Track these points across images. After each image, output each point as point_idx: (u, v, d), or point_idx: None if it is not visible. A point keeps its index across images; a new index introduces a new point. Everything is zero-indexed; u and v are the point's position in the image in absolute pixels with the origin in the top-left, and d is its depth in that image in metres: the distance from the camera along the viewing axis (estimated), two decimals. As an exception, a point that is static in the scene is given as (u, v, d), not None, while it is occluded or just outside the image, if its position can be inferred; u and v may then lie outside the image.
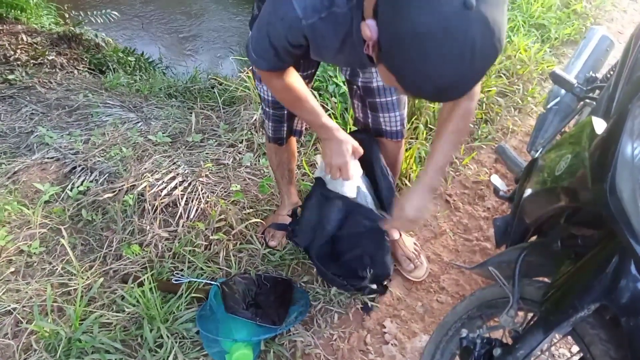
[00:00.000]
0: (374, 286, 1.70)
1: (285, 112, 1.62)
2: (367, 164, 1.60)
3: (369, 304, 1.73)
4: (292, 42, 1.12)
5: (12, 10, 4.12)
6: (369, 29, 0.86)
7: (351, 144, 1.42)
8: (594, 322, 1.00)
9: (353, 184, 1.52)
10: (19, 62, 3.35)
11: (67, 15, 4.71)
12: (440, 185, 2.25)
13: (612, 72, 1.79)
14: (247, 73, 2.73)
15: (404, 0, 0.80)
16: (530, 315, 1.15)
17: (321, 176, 1.58)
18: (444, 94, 0.88)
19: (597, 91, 1.80)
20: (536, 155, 1.83)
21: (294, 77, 1.31)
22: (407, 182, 2.16)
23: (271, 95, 1.56)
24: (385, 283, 1.76)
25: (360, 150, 1.45)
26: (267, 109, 1.62)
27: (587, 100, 1.79)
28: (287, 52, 1.16)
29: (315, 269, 1.78)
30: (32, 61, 3.42)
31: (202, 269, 1.74)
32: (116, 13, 4.70)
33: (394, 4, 0.82)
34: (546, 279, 1.21)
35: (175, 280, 1.64)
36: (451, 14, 0.77)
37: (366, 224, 1.53)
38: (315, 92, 2.46)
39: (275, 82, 1.29)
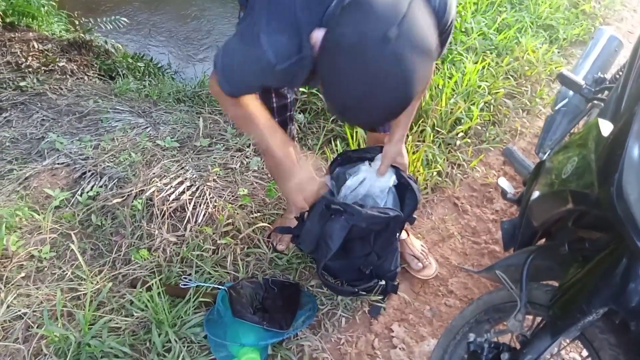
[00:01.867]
0: (383, 282, 1.69)
1: (276, 119, 1.59)
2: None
3: (378, 306, 1.72)
4: (261, 82, 1.17)
5: (24, 18, 4.18)
6: (316, 36, 0.92)
7: (315, 185, 1.34)
8: (602, 326, 0.99)
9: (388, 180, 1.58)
10: (30, 69, 3.39)
11: (77, 22, 4.76)
12: (449, 188, 2.24)
13: (620, 73, 1.77)
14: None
15: (347, 11, 0.86)
16: (538, 319, 1.14)
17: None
18: (350, 112, 0.91)
19: (606, 92, 1.78)
20: (544, 157, 1.82)
21: (248, 99, 1.26)
22: (414, 185, 2.15)
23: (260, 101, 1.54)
24: (396, 282, 1.76)
25: (323, 191, 1.43)
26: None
27: (596, 102, 1.77)
28: (256, 88, 1.21)
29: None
30: (43, 68, 3.46)
31: (209, 273, 1.75)
32: (126, 19, 4.75)
33: (341, 14, 0.87)
34: (554, 283, 1.20)
35: (184, 285, 1.64)
36: (371, 39, 0.82)
37: (373, 229, 1.53)
38: (322, 96, 2.47)
39: (229, 106, 1.26)
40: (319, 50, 0.93)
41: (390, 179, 1.58)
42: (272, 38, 1.04)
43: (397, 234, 1.65)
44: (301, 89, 2.50)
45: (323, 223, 1.54)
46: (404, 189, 1.62)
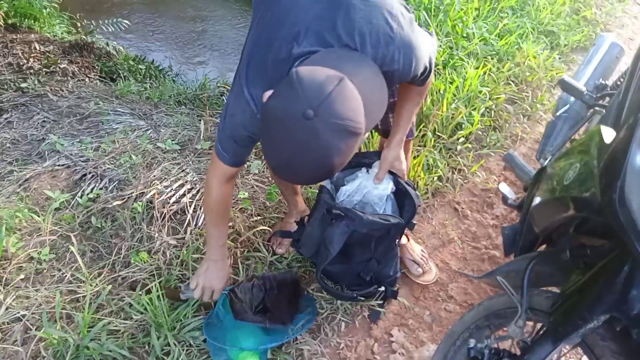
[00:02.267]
0: (382, 288, 1.69)
1: None
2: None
3: (378, 311, 1.72)
4: (250, 131, 1.25)
5: (26, 20, 4.18)
6: (266, 96, 1.02)
7: (217, 291, 1.56)
8: (604, 333, 0.99)
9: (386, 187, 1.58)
10: (31, 71, 3.39)
11: (79, 24, 4.77)
12: (449, 193, 2.24)
13: (622, 80, 1.78)
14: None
15: (281, 85, 0.97)
16: (539, 325, 1.14)
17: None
18: (282, 173, 1.02)
19: (607, 99, 1.79)
20: (545, 163, 1.82)
21: (229, 194, 1.48)
22: (415, 189, 2.15)
23: None
24: (396, 288, 1.75)
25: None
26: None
27: (597, 108, 1.78)
28: (246, 140, 1.28)
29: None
30: (44, 69, 3.46)
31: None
32: (127, 22, 4.76)
33: (278, 86, 0.98)
34: (555, 289, 1.20)
35: (184, 295, 1.62)
36: (292, 113, 0.91)
37: (374, 235, 1.52)
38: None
39: (215, 183, 1.42)
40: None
41: (388, 186, 1.57)
42: (251, 90, 1.18)
43: (397, 240, 1.65)
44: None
45: (324, 228, 1.54)
46: (402, 195, 1.61)
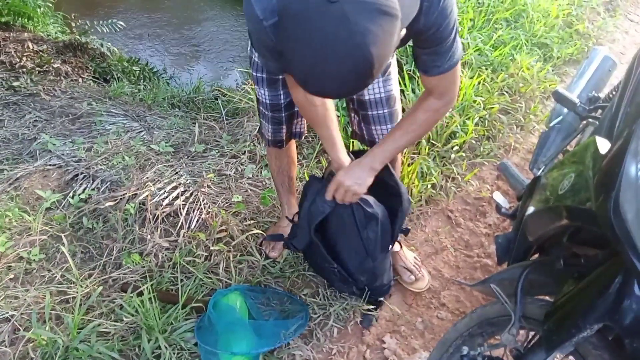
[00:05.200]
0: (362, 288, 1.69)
1: (284, 114, 1.60)
2: (378, 184, 1.60)
3: (370, 316, 1.72)
4: (265, 44, 1.10)
5: (20, 18, 4.16)
6: None
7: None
8: (596, 342, 1.00)
9: None
10: (24, 70, 3.37)
11: (73, 24, 4.75)
12: (442, 201, 2.25)
13: (614, 93, 1.80)
14: (251, 85, 2.75)
15: None
16: (532, 334, 1.14)
17: None
18: (315, 83, 0.88)
19: (600, 111, 1.81)
20: (538, 173, 1.84)
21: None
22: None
23: (269, 98, 1.55)
24: (381, 299, 1.76)
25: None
26: (266, 112, 1.61)
27: (590, 120, 1.80)
28: (268, 51, 1.13)
29: (313, 268, 1.78)
30: (37, 69, 3.44)
31: (202, 279, 1.73)
32: (122, 23, 4.74)
33: None
34: (548, 298, 1.21)
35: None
36: (313, 1, 0.79)
37: (366, 210, 1.50)
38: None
39: (295, 90, 1.30)
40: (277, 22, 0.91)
41: None
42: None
43: (390, 247, 1.64)
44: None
45: (315, 196, 1.52)
46: (392, 197, 1.60)
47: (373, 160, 1.38)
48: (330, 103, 1.37)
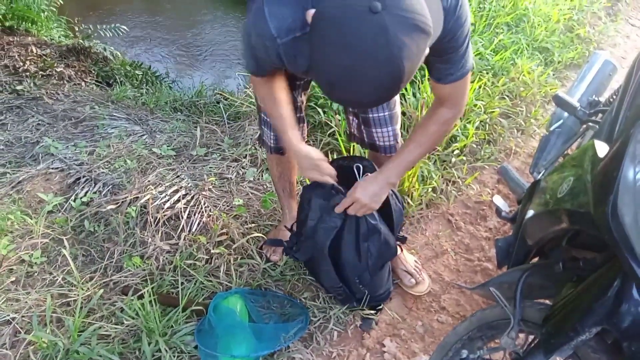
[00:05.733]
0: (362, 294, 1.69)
1: None
2: None
3: (370, 320, 1.72)
4: (269, 56, 1.14)
5: (23, 23, 4.18)
6: (310, 13, 0.91)
7: (316, 158, 1.38)
8: (595, 345, 1.00)
9: None
10: (27, 73, 3.38)
11: (76, 29, 4.77)
12: (443, 205, 2.26)
13: (614, 97, 1.80)
14: (252, 89, 2.76)
15: None
16: (531, 337, 1.15)
17: None
18: (337, 89, 0.90)
19: (600, 115, 1.81)
20: (538, 176, 1.84)
21: (277, 84, 1.33)
22: (409, 200, 2.16)
23: None
24: (379, 307, 1.76)
25: (329, 170, 1.42)
26: (267, 118, 1.62)
27: (590, 124, 1.80)
28: (266, 62, 1.19)
29: (316, 279, 1.78)
30: (40, 72, 3.45)
31: (202, 282, 1.74)
32: (125, 27, 4.77)
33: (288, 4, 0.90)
34: (547, 301, 1.21)
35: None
36: (355, 10, 0.81)
37: (370, 222, 1.50)
38: (320, 109, 2.49)
39: (259, 86, 1.34)
40: (309, 28, 0.92)
41: None
42: (274, 9, 1.05)
43: (391, 258, 1.64)
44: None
45: (324, 210, 1.51)
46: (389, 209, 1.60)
47: (389, 175, 1.39)
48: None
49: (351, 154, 2.27)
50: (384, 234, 1.52)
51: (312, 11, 0.92)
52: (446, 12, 1.06)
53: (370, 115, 1.55)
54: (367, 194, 1.38)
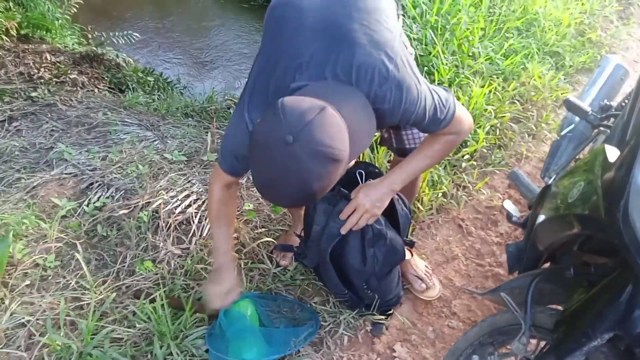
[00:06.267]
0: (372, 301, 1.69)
1: None
2: None
3: (381, 325, 1.71)
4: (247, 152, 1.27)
5: (38, 31, 4.25)
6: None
7: (232, 292, 1.50)
8: (607, 351, 1.00)
9: None
10: (42, 80, 3.44)
11: (90, 36, 4.85)
12: (453, 210, 2.25)
13: (626, 101, 1.79)
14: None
15: (268, 111, 1.04)
16: (542, 343, 1.14)
17: None
18: (265, 194, 1.12)
19: (612, 119, 1.80)
20: (550, 181, 1.83)
21: (231, 198, 1.51)
22: (419, 205, 2.16)
23: None
24: (390, 312, 1.76)
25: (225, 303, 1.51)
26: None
27: (602, 128, 1.79)
28: (244, 159, 1.29)
29: (324, 284, 1.78)
30: (54, 79, 3.51)
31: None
32: (137, 34, 4.83)
33: (266, 112, 1.06)
34: (559, 307, 1.20)
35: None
36: (274, 138, 0.99)
37: (375, 227, 1.51)
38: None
39: (217, 187, 1.45)
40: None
41: None
42: (252, 114, 1.22)
43: (398, 263, 1.64)
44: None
45: (329, 216, 1.52)
46: (396, 214, 1.59)
47: (393, 182, 1.43)
48: (233, 210, 1.60)
49: (360, 157, 2.28)
50: (390, 238, 1.52)
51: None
52: (391, 111, 1.19)
53: None
54: (369, 199, 1.42)
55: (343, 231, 1.46)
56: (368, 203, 1.41)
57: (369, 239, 1.52)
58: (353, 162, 1.64)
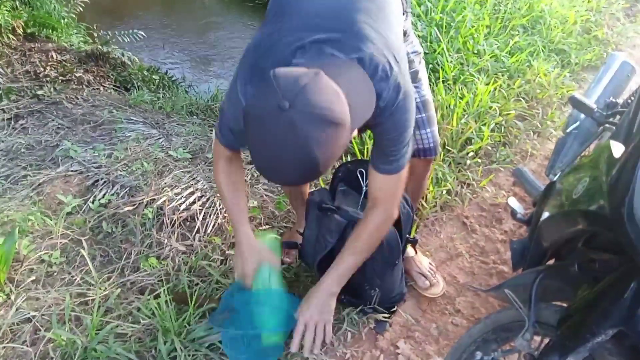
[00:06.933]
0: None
1: None
2: None
3: (384, 322, 1.71)
4: (241, 127, 1.20)
5: (44, 29, 4.27)
6: None
7: (260, 254, 1.43)
8: (612, 348, 0.99)
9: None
10: (48, 79, 3.46)
11: (95, 35, 4.86)
12: (458, 207, 2.25)
13: (632, 98, 1.78)
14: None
15: (258, 85, 0.99)
16: (546, 339, 1.14)
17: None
18: (267, 173, 1.03)
19: (618, 116, 1.79)
20: (555, 178, 1.82)
21: (239, 169, 1.46)
22: (423, 202, 2.16)
23: None
24: (394, 309, 1.76)
25: (275, 261, 1.46)
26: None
27: (607, 125, 1.78)
28: (241, 133, 1.23)
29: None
30: (60, 78, 3.52)
31: (218, 282, 1.76)
32: (143, 33, 4.84)
33: (258, 86, 1.01)
34: (563, 304, 1.20)
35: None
36: (268, 107, 0.93)
37: None
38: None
39: (220, 162, 1.42)
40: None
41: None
42: (243, 88, 1.19)
43: (397, 260, 1.64)
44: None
45: (319, 224, 1.55)
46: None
47: (331, 285, 1.42)
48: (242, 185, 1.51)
49: (364, 155, 2.28)
50: (386, 239, 1.52)
51: None
52: (380, 110, 1.14)
53: None
54: (314, 309, 1.39)
55: (305, 353, 1.39)
56: (315, 313, 1.38)
57: None
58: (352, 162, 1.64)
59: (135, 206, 2.03)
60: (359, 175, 1.62)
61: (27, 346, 1.52)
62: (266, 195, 2.20)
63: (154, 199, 2.04)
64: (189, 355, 1.50)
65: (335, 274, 1.43)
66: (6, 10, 3.88)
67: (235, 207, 1.45)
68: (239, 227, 1.44)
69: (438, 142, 1.63)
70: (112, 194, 2.14)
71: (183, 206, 2.02)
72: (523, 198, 2.29)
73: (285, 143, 0.93)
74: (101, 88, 3.70)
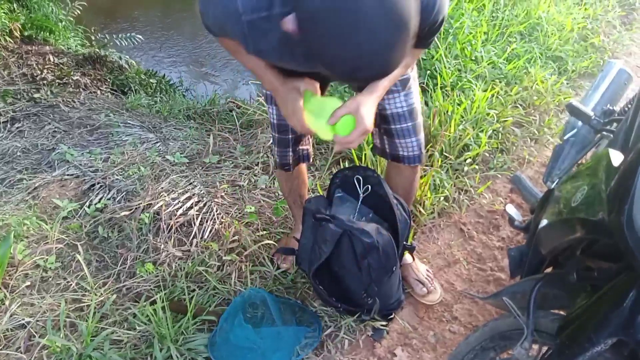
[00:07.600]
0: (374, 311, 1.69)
1: (291, 136, 1.61)
2: (380, 200, 1.61)
3: (382, 329, 1.71)
4: (232, 30, 1.09)
5: (41, 32, 4.27)
6: (288, 22, 0.89)
7: (299, 86, 1.23)
8: (611, 357, 0.98)
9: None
10: (44, 82, 3.45)
11: (93, 38, 4.86)
12: (455, 214, 2.24)
13: (629, 106, 1.79)
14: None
15: None
16: (544, 348, 1.13)
17: None
18: (359, 70, 0.88)
19: (615, 124, 1.80)
20: (552, 186, 1.82)
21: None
22: (421, 209, 2.15)
23: (276, 117, 1.57)
24: (391, 316, 1.75)
25: (313, 85, 1.26)
26: (274, 133, 1.63)
27: (604, 133, 1.78)
28: (229, 32, 1.13)
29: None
30: (57, 81, 3.52)
31: (215, 288, 1.75)
32: (140, 37, 4.85)
33: None
34: (562, 312, 1.20)
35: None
36: None
37: (365, 241, 1.50)
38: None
39: (224, 42, 1.26)
40: (299, 31, 0.89)
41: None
42: None
43: (394, 267, 1.64)
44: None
45: (315, 233, 1.55)
46: (393, 217, 1.60)
47: (379, 97, 1.27)
48: None
49: (362, 161, 2.27)
50: (382, 246, 1.51)
51: (289, 19, 0.90)
52: (424, 6, 1.02)
53: (393, 127, 1.54)
54: (371, 118, 1.23)
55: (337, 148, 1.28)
56: (370, 123, 1.22)
57: (361, 252, 1.52)
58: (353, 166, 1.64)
59: (132, 211, 2.02)
60: (355, 182, 1.62)
61: (22, 353, 1.51)
62: (264, 201, 2.19)
63: (150, 204, 2.03)
64: (185, 362, 1.49)
65: (388, 82, 1.27)
66: (3, 12, 3.88)
67: (259, 67, 1.26)
68: (270, 83, 1.27)
69: (423, 150, 1.61)
70: (109, 199, 2.13)
71: (180, 211, 2.01)
72: (520, 205, 2.29)
73: (373, 16, 0.81)
74: (98, 91, 3.69)
